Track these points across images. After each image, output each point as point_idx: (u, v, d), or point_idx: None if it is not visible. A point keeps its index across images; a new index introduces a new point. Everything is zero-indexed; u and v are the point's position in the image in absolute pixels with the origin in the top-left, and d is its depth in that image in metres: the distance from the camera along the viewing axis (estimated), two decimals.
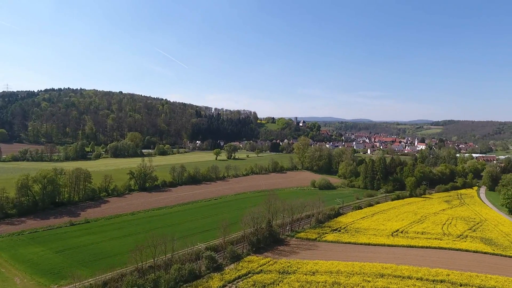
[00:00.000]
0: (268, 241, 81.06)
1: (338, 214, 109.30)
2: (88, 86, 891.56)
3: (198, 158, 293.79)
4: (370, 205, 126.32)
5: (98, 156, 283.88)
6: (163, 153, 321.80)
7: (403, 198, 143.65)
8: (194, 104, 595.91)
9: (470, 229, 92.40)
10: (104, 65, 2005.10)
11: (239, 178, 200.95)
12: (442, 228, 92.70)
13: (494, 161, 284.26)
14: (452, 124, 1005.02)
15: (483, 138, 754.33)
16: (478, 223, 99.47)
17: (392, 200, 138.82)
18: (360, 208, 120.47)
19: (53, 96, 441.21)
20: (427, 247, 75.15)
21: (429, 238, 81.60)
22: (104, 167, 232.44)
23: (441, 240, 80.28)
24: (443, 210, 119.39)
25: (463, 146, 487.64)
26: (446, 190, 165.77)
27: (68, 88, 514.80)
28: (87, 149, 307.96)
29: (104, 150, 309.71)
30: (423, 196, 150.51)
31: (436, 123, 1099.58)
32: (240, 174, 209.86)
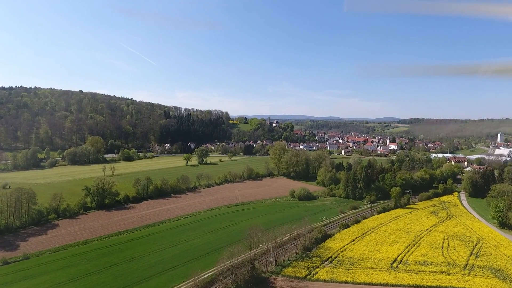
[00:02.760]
0: (250, 285, 66.74)
1: (325, 237, 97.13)
2: (44, 85, 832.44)
3: (167, 164, 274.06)
4: (357, 221, 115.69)
5: (53, 164, 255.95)
6: (128, 158, 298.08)
7: (388, 210, 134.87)
8: (163, 103, 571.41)
9: (472, 253, 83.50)
10: (61, 62, 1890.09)
11: (212, 189, 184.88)
12: (443, 253, 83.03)
13: (465, 163, 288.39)
14: (418, 122, 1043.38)
15: (447, 136, 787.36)
16: (476, 244, 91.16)
17: (378, 213, 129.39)
18: (347, 226, 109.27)
19: (2, 95, 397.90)
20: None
21: (435, 272, 71.07)
22: (59, 177, 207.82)
23: (449, 274, 70.02)
24: (434, 225, 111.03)
25: (432, 145, 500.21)
26: (429, 198, 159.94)
27: (21, 86, 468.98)
28: (41, 156, 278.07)
29: (60, 156, 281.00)
30: (408, 206, 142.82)
31: (403, 121, 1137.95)
32: (213, 184, 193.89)
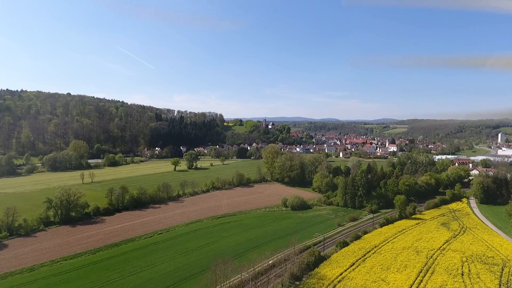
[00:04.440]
0: None
1: (319, 259, 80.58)
2: (36, 88, 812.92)
3: (154, 169, 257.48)
4: (357, 237, 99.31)
5: (30, 171, 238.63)
6: (113, 163, 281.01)
7: (392, 221, 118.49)
8: (162, 106, 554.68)
9: (501, 283, 67.36)
10: (57, 66, 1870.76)
11: (196, 197, 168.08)
12: (465, 284, 66.76)
13: (470, 165, 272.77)
14: (417, 123, 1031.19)
15: (446, 136, 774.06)
16: (503, 268, 74.98)
17: (381, 226, 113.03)
18: (346, 244, 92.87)
19: None
20: None
21: None
22: (32, 185, 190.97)
23: None
24: (447, 242, 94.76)
25: (432, 146, 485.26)
26: (436, 206, 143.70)
27: (7, 89, 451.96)
28: (20, 162, 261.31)
29: (41, 162, 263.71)
30: (414, 216, 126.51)
31: (401, 122, 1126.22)
32: (199, 191, 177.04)
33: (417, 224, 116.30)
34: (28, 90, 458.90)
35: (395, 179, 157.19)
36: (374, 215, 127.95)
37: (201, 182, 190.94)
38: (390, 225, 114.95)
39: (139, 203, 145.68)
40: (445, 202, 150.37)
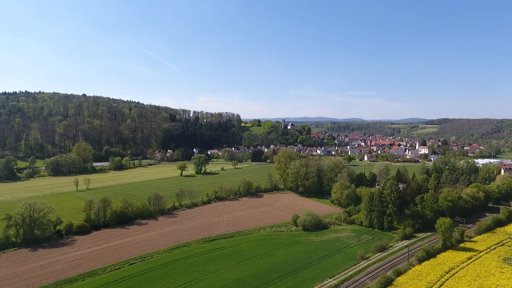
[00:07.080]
0: None
1: None
2: (55, 89, 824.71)
3: (159, 174, 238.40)
4: (388, 282, 72.04)
5: (31, 175, 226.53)
6: (119, 167, 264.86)
7: (434, 254, 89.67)
8: (187, 107, 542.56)
9: None
10: (83, 68, 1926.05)
11: (194, 210, 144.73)
12: None
13: None
14: (448, 122, 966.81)
15: (482, 137, 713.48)
16: None
17: (420, 261, 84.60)
18: None
19: None
20: None
21: None
22: (23, 193, 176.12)
23: None
24: None
25: (468, 148, 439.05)
26: (490, 229, 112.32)
27: (25, 91, 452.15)
28: (24, 165, 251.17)
29: (44, 166, 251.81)
30: (462, 245, 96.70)
31: (431, 122, 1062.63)
32: (198, 203, 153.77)
33: (469, 258, 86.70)
34: (46, 91, 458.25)
35: (433, 192, 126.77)
36: (409, 241, 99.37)
37: (205, 190, 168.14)
38: (432, 259, 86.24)
39: (123, 219, 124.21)
40: (500, 223, 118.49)
